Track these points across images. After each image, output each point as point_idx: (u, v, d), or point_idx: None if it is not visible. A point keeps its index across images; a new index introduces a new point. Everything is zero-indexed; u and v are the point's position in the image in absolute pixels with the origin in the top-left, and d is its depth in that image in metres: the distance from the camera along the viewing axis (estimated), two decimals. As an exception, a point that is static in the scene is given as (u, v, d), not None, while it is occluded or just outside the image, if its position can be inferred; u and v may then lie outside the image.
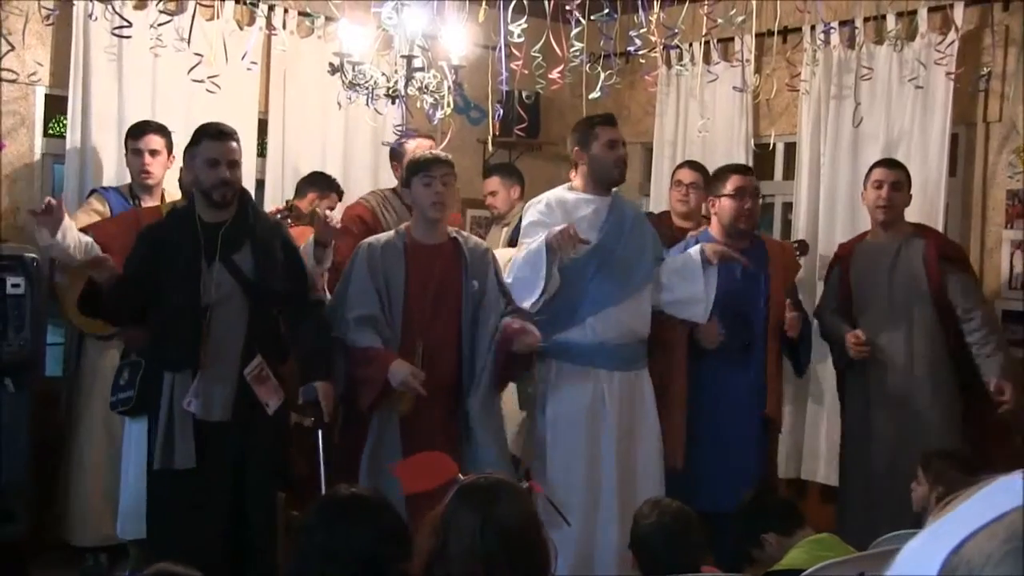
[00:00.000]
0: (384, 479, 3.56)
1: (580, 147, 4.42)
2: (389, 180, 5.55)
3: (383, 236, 4.18)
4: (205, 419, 3.84)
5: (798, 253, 5.35)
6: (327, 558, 2.40)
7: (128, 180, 4.94)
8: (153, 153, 4.76)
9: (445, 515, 2.42)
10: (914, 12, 5.34)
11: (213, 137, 3.92)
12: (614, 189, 4.52)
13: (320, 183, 5.36)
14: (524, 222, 4.41)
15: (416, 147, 4.70)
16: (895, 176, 4.74)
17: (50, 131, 5.44)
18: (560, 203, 4.38)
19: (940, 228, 5.15)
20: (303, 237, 4.63)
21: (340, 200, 5.40)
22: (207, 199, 3.91)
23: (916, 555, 0.82)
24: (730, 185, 4.68)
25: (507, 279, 4.21)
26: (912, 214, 5.26)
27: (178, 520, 3.84)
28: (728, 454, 4.53)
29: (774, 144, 6.08)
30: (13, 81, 5.01)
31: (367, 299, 3.98)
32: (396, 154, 4.93)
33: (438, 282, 4.07)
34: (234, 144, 3.95)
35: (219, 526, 3.86)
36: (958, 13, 5.16)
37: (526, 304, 4.14)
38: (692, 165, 5.58)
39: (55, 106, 5.35)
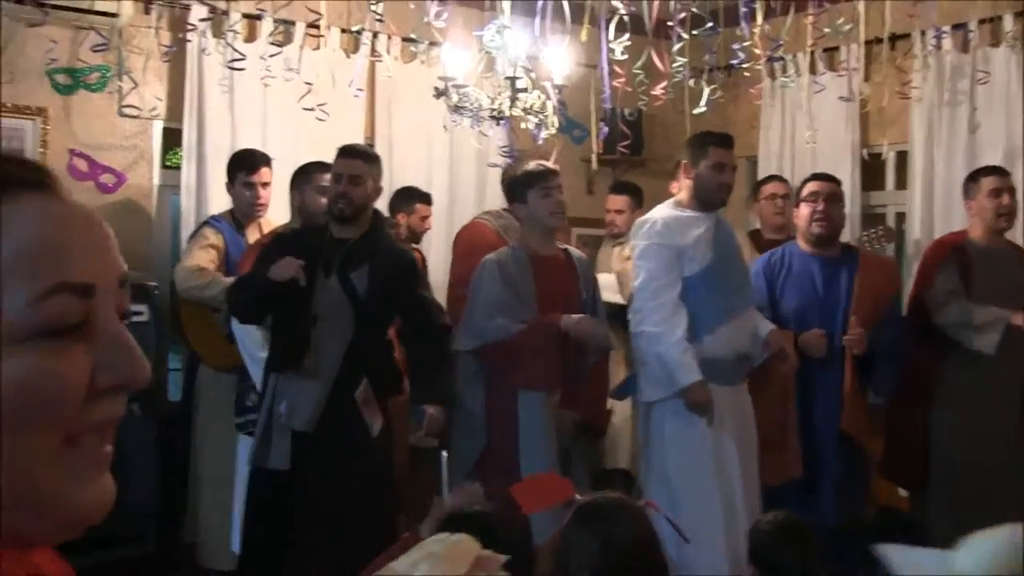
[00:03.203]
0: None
1: (690, 162, 4.34)
2: (494, 202, 5.59)
3: (503, 250, 4.24)
4: (288, 426, 3.90)
5: (883, 238, 5.22)
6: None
7: (227, 208, 5.01)
8: (265, 185, 4.84)
9: (564, 536, 2.42)
10: (1033, 11, 5.19)
11: (341, 154, 4.08)
12: None
13: (403, 201, 5.43)
14: (641, 243, 4.27)
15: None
16: (1010, 183, 4.76)
17: (167, 163, 5.61)
18: (675, 222, 4.28)
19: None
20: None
21: (431, 204, 5.47)
22: (330, 212, 4.03)
23: None
24: (804, 191, 4.68)
25: (650, 347, 4.16)
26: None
27: (270, 524, 3.90)
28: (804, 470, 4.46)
29: (886, 153, 5.95)
30: (136, 116, 5.20)
31: (508, 307, 4.07)
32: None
33: (560, 293, 4.14)
34: (359, 162, 4.05)
35: (313, 535, 3.89)
36: (1079, 11, 5.00)
37: (647, 397, 4.17)
38: (780, 179, 5.54)
39: (171, 139, 5.53)
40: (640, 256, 4.23)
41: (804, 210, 4.64)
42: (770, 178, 5.63)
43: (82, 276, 0.78)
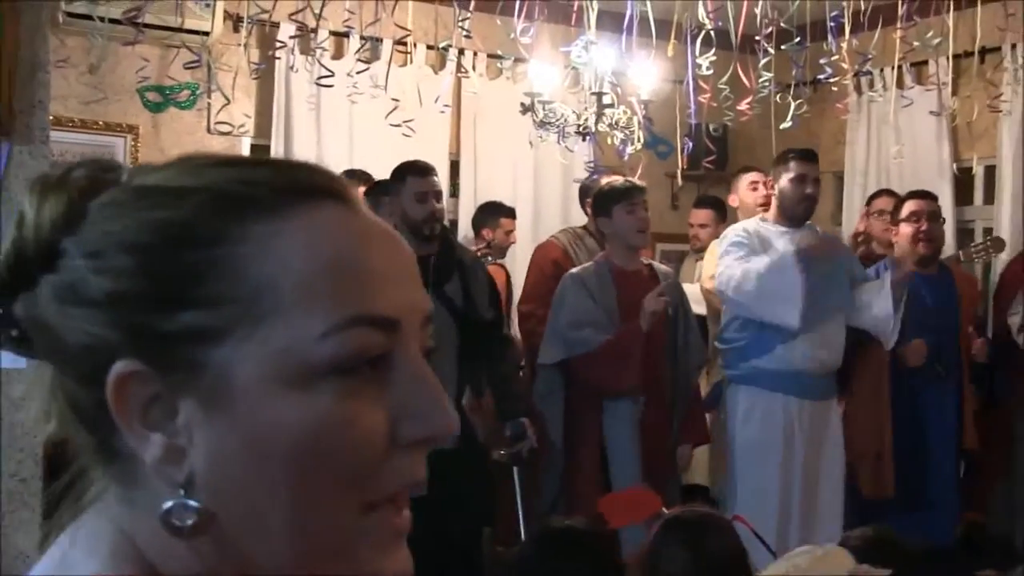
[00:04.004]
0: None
1: (774, 177, 4.40)
2: (579, 217, 5.60)
3: (586, 266, 4.28)
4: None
5: (992, 251, 5.12)
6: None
7: None
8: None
9: (653, 550, 2.41)
10: None
11: (419, 173, 4.11)
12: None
13: (487, 216, 5.47)
14: (723, 245, 4.40)
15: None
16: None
17: (255, 179, 5.71)
18: (755, 233, 4.37)
19: None
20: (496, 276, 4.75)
21: (515, 218, 5.50)
22: (416, 233, 4.02)
23: None
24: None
25: (748, 293, 4.19)
26: None
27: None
28: (918, 486, 4.39)
29: (975, 168, 5.85)
30: (228, 134, 5.31)
31: (594, 318, 4.09)
32: (590, 191, 4.94)
33: None
34: (436, 178, 4.13)
35: (431, 557, 3.91)
36: None
37: (792, 322, 4.13)
38: (890, 193, 5.45)
39: (259, 155, 5.63)
40: (723, 256, 4.32)
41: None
42: (880, 192, 5.53)
43: (386, 309, 0.65)
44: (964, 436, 4.50)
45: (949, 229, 5.68)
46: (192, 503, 0.62)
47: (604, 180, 4.65)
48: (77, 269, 0.64)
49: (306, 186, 0.66)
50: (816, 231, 4.47)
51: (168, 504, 0.62)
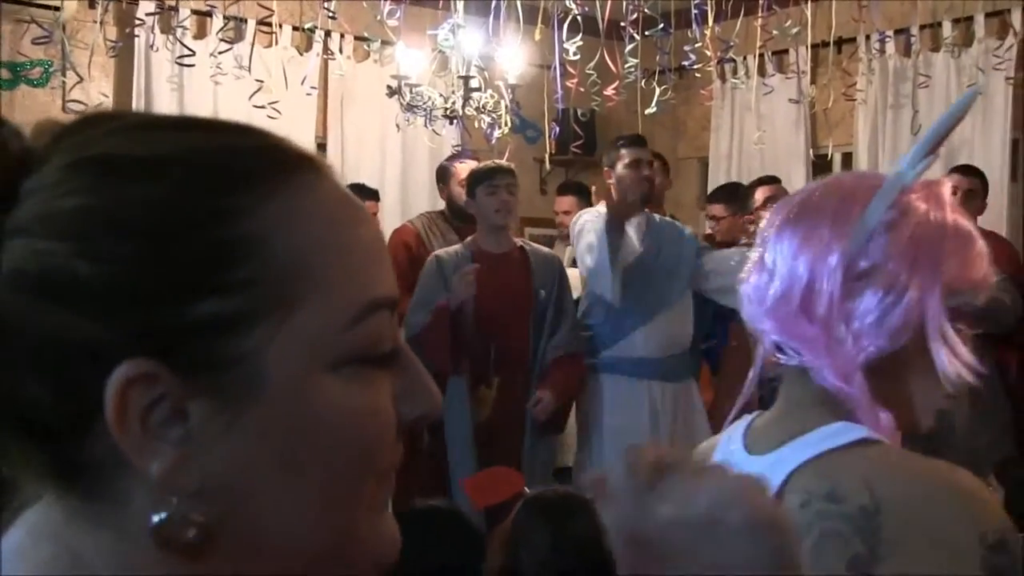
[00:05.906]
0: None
1: (608, 167, 4.46)
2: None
3: (451, 248, 4.26)
4: None
5: None
6: (402, 573, 2.40)
7: None
8: None
9: (515, 530, 2.42)
10: (971, 18, 5.30)
11: None
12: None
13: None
14: (577, 228, 4.36)
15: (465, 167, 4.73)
16: (969, 183, 4.64)
17: (114, 161, 5.55)
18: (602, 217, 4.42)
19: (1004, 234, 5.10)
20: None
21: (378, 201, 5.43)
22: None
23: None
24: (759, 197, 4.76)
25: (588, 266, 4.22)
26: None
27: None
28: None
29: (831, 155, 6.05)
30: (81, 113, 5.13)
31: (433, 303, 4.07)
32: (444, 175, 4.91)
33: (507, 290, 4.13)
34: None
35: None
36: (1016, 17, 5.12)
37: (608, 295, 4.16)
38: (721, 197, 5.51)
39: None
40: (579, 236, 4.27)
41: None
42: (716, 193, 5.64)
43: (391, 289, 0.61)
44: None
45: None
46: (195, 516, 0.55)
47: (459, 166, 4.64)
48: (46, 253, 0.53)
49: (293, 156, 0.59)
50: (653, 217, 4.52)
51: (161, 516, 0.54)
